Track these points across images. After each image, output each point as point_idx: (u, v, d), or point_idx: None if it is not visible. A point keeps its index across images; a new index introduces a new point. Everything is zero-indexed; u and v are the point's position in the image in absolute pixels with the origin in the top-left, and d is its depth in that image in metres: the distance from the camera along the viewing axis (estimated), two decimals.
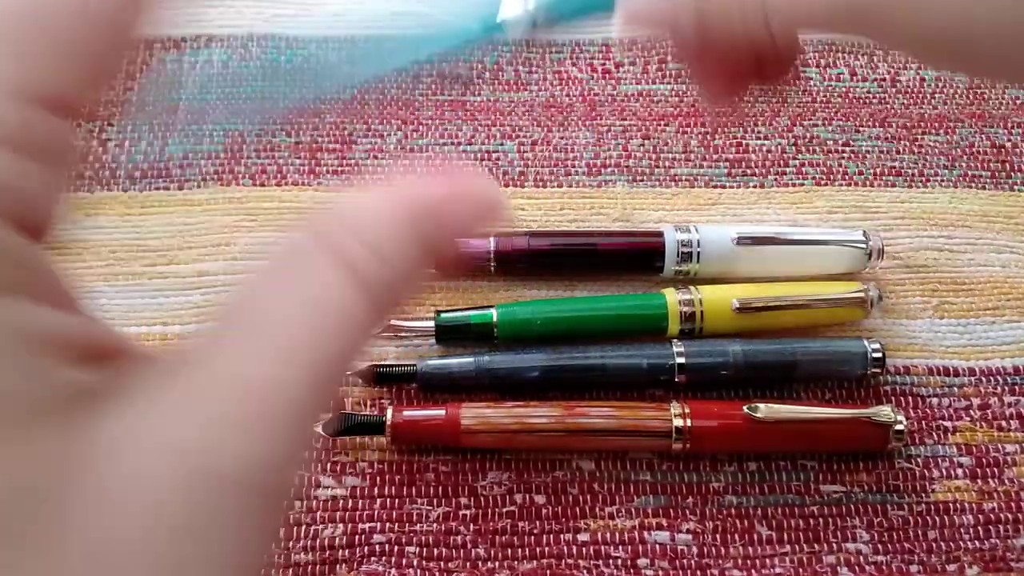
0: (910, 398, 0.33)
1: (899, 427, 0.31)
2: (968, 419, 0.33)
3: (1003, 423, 0.33)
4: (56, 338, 0.12)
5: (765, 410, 0.31)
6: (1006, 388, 0.34)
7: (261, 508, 0.12)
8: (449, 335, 0.33)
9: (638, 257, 0.35)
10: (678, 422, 0.31)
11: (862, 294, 0.34)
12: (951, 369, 0.34)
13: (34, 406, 0.11)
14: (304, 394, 0.12)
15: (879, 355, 0.33)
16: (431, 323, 0.33)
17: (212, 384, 0.12)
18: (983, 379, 0.34)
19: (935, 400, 0.33)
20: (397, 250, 0.14)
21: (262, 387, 0.12)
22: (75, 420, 0.11)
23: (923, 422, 0.33)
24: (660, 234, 0.35)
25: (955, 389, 0.34)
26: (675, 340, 0.33)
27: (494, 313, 0.33)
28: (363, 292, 0.13)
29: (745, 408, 0.31)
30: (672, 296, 0.33)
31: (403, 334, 0.33)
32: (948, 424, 0.33)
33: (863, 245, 0.34)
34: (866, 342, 0.33)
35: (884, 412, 0.31)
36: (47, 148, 0.13)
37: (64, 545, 0.10)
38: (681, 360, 0.32)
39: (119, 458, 0.11)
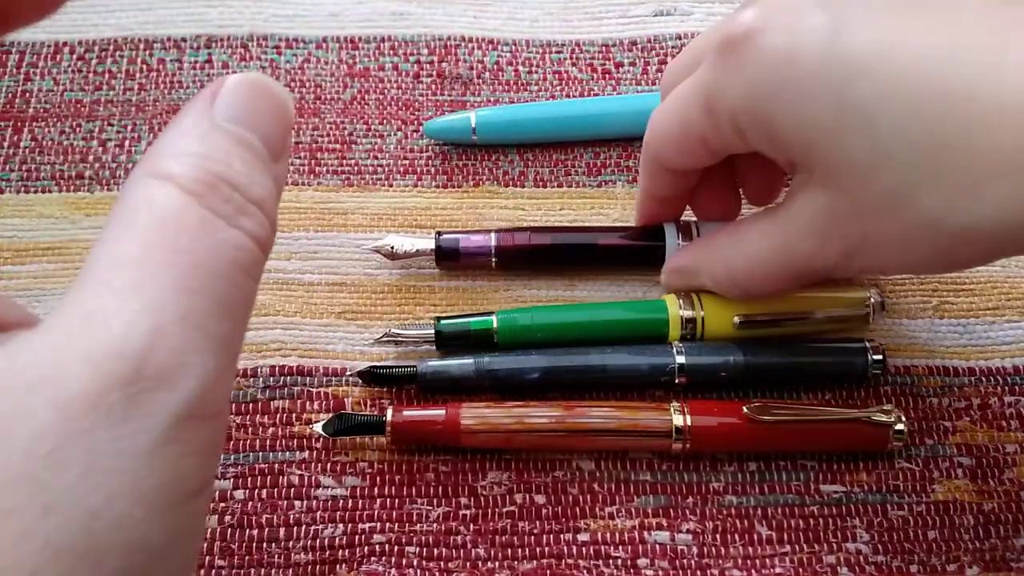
0: (910, 398, 0.33)
1: (899, 427, 0.31)
2: (968, 419, 0.33)
3: (1003, 423, 0.33)
4: None
5: (765, 410, 0.31)
6: (1006, 388, 0.34)
7: (112, 425, 0.12)
8: (449, 342, 0.33)
9: (639, 253, 0.35)
10: (678, 421, 0.31)
11: (867, 308, 0.33)
12: (951, 369, 0.34)
13: None
14: (138, 306, 0.12)
15: (879, 355, 0.33)
16: (431, 330, 0.33)
17: (60, 322, 0.12)
18: (983, 379, 0.34)
19: (935, 400, 0.33)
20: (209, 141, 0.14)
21: (97, 315, 0.12)
22: None
23: (923, 422, 0.33)
24: (661, 229, 0.35)
25: (955, 389, 0.34)
26: (676, 343, 0.33)
27: (494, 320, 0.33)
28: (180, 191, 0.13)
29: (745, 408, 0.31)
30: (673, 303, 0.33)
31: (402, 340, 0.33)
32: (948, 424, 0.33)
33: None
34: (867, 343, 0.33)
35: (884, 412, 0.31)
36: None
37: None
38: (681, 361, 0.32)
39: None
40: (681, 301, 0.33)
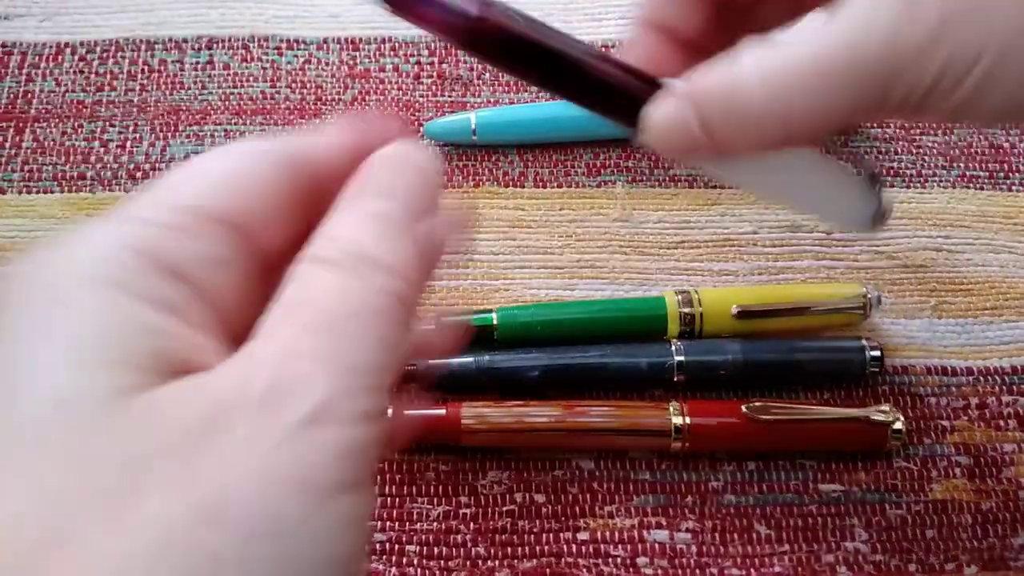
0: (908, 398, 0.34)
1: (897, 426, 0.31)
2: (966, 418, 0.33)
3: (1001, 422, 0.33)
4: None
5: (764, 410, 0.31)
6: (1004, 388, 0.34)
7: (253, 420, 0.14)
8: None
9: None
10: (677, 421, 0.31)
11: (863, 300, 0.34)
12: (949, 369, 0.34)
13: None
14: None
15: (877, 355, 0.33)
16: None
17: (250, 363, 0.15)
18: (981, 379, 0.34)
19: (933, 400, 0.34)
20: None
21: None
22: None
23: (921, 422, 0.33)
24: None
25: (953, 389, 0.34)
26: (674, 340, 0.33)
27: (494, 316, 0.33)
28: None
29: (744, 408, 0.31)
30: (672, 300, 0.34)
31: None
32: (946, 423, 0.33)
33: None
34: (865, 342, 0.33)
35: (882, 412, 0.31)
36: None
37: None
38: (680, 359, 0.32)
39: (161, 401, 0.14)
40: (680, 298, 0.34)
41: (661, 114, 0.22)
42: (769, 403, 0.31)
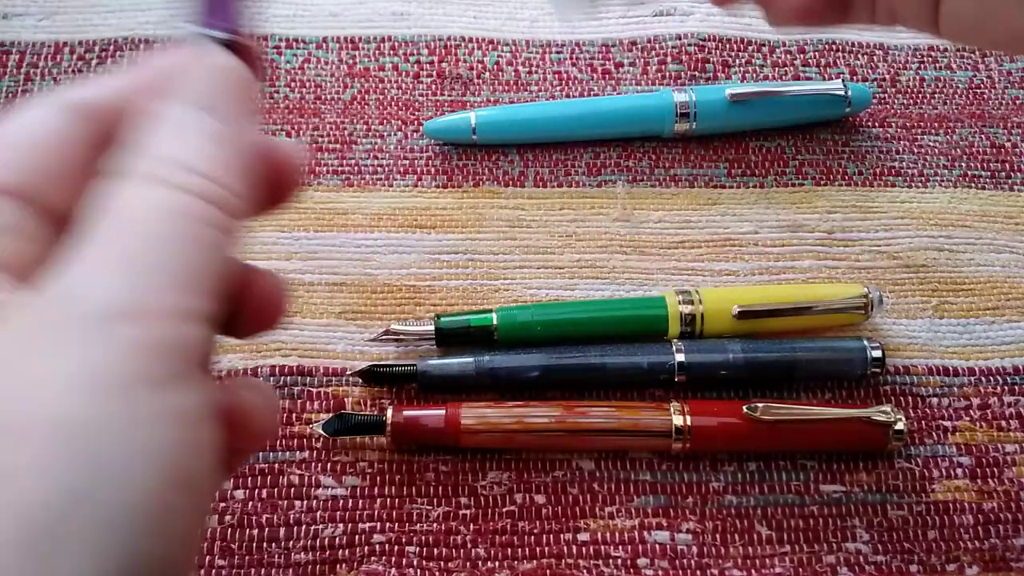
0: (910, 398, 0.33)
1: (899, 427, 0.31)
2: (968, 419, 0.33)
3: (1003, 423, 0.33)
4: None
5: (765, 410, 0.31)
6: (1006, 388, 0.34)
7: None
8: (449, 339, 0.33)
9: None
10: (678, 421, 0.31)
11: (864, 300, 0.34)
12: (951, 369, 0.34)
13: None
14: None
15: (879, 355, 0.33)
16: (431, 327, 0.33)
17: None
18: (983, 379, 0.34)
19: (935, 400, 0.33)
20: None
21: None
22: None
23: (923, 422, 0.33)
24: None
25: (955, 389, 0.34)
26: (675, 340, 0.33)
27: (494, 316, 0.33)
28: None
29: (745, 408, 0.31)
30: (673, 300, 0.33)
31: (403, 338, 0.33)
32: (948, 424, 0.33)
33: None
34: (866, 342, 0.33)
35: (883, 412, 0.31)
36: None
37: None
38: (681, 359, 0.32)
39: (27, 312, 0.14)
40: (680, 298, 0.33)
41: None
42: (770, 403, 0.31)
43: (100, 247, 0.15)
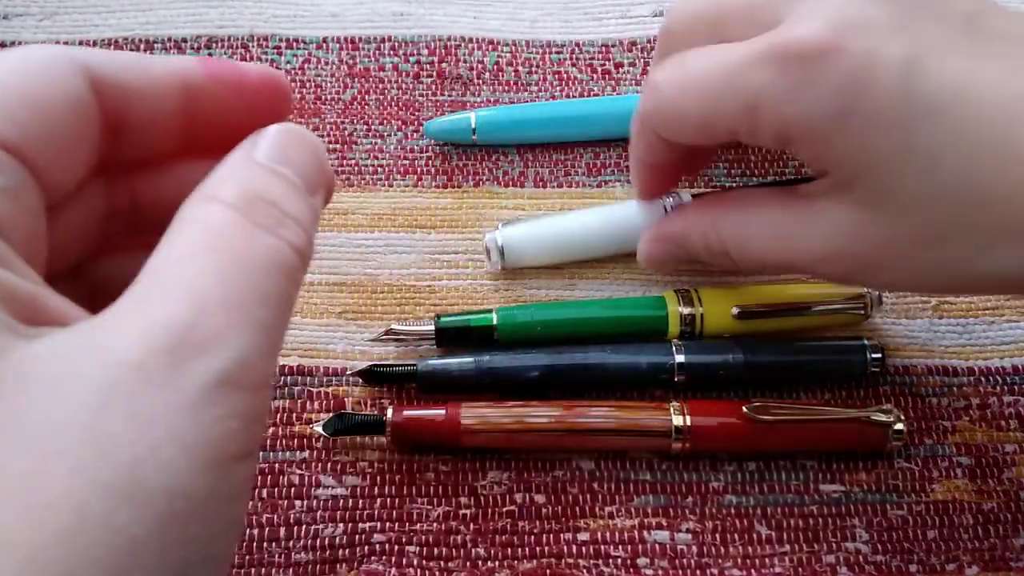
0: (909, 398, 0.34)
1: (898, 427, 0.31)
2: (967, 419, 0.33)
3: (1002, 423, 0.33)
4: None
5: (764, 410, 0.31)
6: (1005, 388, 0.34)
7: (156, 385, 0.13)
8: (449, 338, 0.33)
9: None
10: (677, 421, 0.31)
11: (863, 299, 0.34)
12: (950, 369, 0.34)
13: None
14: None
15: (879, 355, 0.33)
16: (431, 327, 0.33)
17: (114, 308, 0.14)
18: (982, 379, 0.34)
19: (934, 400, 0.34)
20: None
21: (147, 298, 0.14)
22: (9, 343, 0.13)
23: (922, 422, 0.33)
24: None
25: (954, 389, 0.34)
26: (675, 340, 0.33)
27: (494, 316, 0.33)
28: (223, 206, 0.15)
29: (745, 408, 0.31)
30: (672, 300, 0.34)
31: (403, 338, 0.33)
32: (947, 424, 0.33)
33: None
34: (866, 342, 0.33)
35: (883, 412, 0.31)
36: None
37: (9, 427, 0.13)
38: (681, 359, 0.32)
39: (51, 363, 0.13)
40: (680, 297, 0.33)
41: (645, 254, 0.33)
42: (770, 403, 0.31)
43: (207, 284, 0.14)
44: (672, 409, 0.31)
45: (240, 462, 0.14)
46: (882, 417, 0.31)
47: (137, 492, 0.12)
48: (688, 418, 0.31)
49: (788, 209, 0.28)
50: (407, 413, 0.31)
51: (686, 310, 0.33)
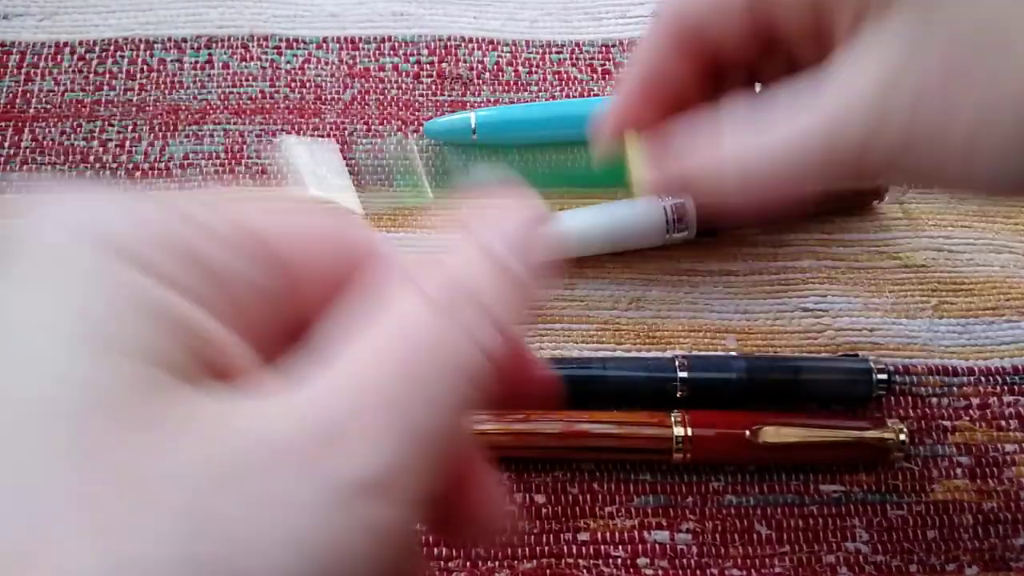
0: (909, 398, 0.33)
1: (902, 438, 0.31)
2: (967, 419, 0.33)
3: (1002, 423, 0.33)
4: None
5: (768, 434, 0.30)
6: (1005, 388, 0.34)
7: (287, 473, 0.12)
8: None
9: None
10: (679, 432, 0.31)
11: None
12: (950, 369, 0.34)
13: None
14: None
15: (884, 377, 0.32)
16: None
17: (282, 387, 0.13)
18: (982, 379, 0.34)
19: (934, 400, 0.33)
20: (509, 306, 0.15)
21: (313, 387, 0.13)
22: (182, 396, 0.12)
23: (922, 422, 0.33)
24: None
25: (954, 389, 0.34)
26: (678, 356, 0.33)
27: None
28: (423, 300, 0.14)
29: (747, 432, 0.30)
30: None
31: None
32: (947, 424, 0.33)
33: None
34: (872, 364, 0.33)
35: (890, 431, 0.31)
36: None
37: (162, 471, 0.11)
38: (683, 375, 0.32)
39: (204, 416, 0.12)
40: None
41: (650, 184, 0.25)
42: (771, 425, 0.31)
43: (370, 370, 0.13)
44: (673, 424, 0.31)
45: None
46: (888, 435, 0.31)
47: (229, 571, 0.11)
48: (690, 429, 0.31)
49: (825, 88, 0.22)
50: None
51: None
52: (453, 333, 0.14)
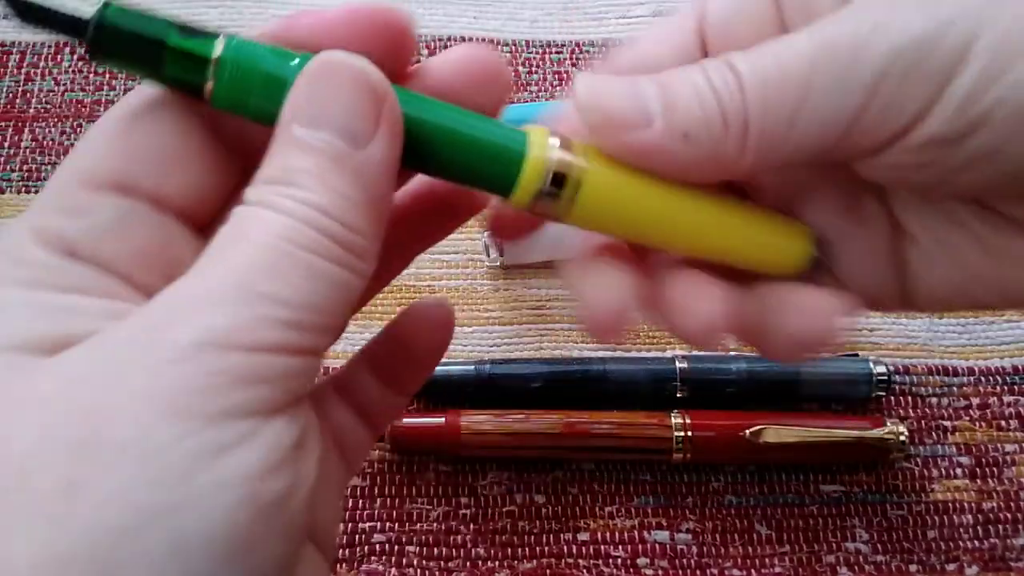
0: (910, 398, 0.33)
1: (902, 438, 0.31)
2: (967, 419, 0.33)
3: (1002, 423, 0.33)
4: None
5: (768, 435, 0.30)
6: (1005, 388, 0.34)
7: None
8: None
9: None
10: (679, 432, 0.31)
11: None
12: (950, 369, 0.34)
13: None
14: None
15: (884, 379, 0.32)
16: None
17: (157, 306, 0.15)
18: (982, 379, 0.34)
19: (935, 400, 0.33)
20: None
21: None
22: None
23: (922, 422, 0.33)
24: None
25: (954, 389, 0.34)
26: (677, 354, 0.33)
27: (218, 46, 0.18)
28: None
29: (748, 433, 0.30)
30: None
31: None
32: (948, 424, 0.33)
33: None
34: (871, 365, 0.33)
35: (889, 432, 0.31)
36: None
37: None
38: (684, 373, 0.32)
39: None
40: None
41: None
42: (771, 425, 0.31)
43: (214, 270, 0.14)
44: (673, 425, 0.31)
45: (237, 419, 0.13)
46: (888, 436, 0.31)
47: (93, 443, 0.13)
48: (690, 432, 0.31)
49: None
50: (407, 421, 0.31)
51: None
52: (276, 215, 0.15)
